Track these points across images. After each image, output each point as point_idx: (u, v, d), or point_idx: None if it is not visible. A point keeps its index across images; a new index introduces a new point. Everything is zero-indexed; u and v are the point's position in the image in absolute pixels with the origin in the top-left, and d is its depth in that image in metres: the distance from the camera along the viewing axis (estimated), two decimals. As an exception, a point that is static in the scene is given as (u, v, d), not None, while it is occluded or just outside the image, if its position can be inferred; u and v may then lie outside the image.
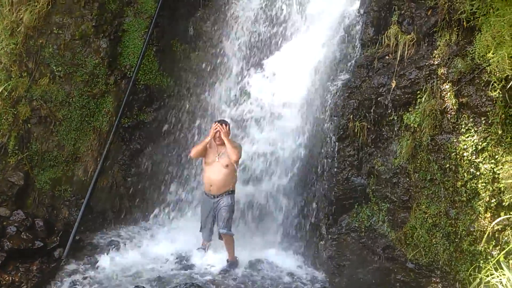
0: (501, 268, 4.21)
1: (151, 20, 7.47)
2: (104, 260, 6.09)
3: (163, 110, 7.60)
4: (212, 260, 6.25)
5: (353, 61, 6.35)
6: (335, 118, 6.19)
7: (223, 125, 6.01)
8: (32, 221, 6.24)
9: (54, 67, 7.07)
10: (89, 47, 7.28)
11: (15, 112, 6.81)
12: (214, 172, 6.01)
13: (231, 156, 5.86)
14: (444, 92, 5.25)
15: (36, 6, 7.00)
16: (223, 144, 5.97)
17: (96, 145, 7.12)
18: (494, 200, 4.81)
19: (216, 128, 5.97)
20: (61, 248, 6.06)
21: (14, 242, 5.80)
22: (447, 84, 5.24)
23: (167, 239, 6.82)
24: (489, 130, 4.86)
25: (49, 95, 7.00)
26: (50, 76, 7.07)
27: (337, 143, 6.08)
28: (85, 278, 5.73)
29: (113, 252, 6.35)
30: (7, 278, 5.40)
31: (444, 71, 5.29)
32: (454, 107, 5.15)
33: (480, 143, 4.91)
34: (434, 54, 5.46)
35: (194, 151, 6.17)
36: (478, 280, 4.46)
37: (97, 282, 5.67)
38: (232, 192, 6.10)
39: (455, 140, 5.11)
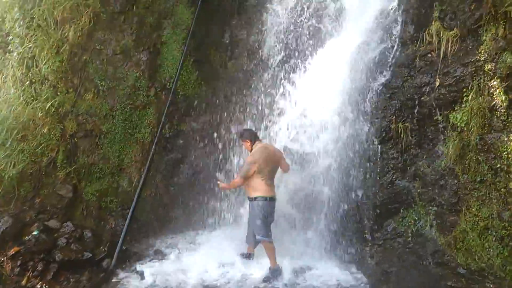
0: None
1: (188, 31, 7.58)
2: (150, 270, 6.16)
3: (202, 119, 7.67)
4: (255, 268, 6.21)
5: (393, 61, 6.18)
6: (377, 120, 6.03)
7: (240, 138, 6.36)
8: (81, 232, 6.39)
9: (98, 82, 7.29)
10: (130, 61, 7.47)
11: (62, 127, 7.05)
12: None
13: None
14: (492, 89, 5.01)
15: (79, 24, 7.25)
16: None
17: (139, 156, 7.28)
18: (551, 200, 4.52)
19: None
20: (109, 258, 6.18)
21: (65, 253, 5.97)
22: (495, 81, 5.00)
23: (211, 247, 6.84)
24: (542, 126, 4.59)
25: (94, 109, 7.22)
26: (94, 90, 7.30)
27: (379, 146, 5.93)
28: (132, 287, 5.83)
29: (159, 262, 6.43)
30: (59, 289, 5.58)
31: (492, 66, 5.05)
32: (504, 104, 4.91)
33: (533, 141, 4.64)
34: (480, 50, 5.23)
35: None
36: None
37: (144, 291, 5.75)
38: (254, 199, 6.05)
39: (505, 139, 4.86)
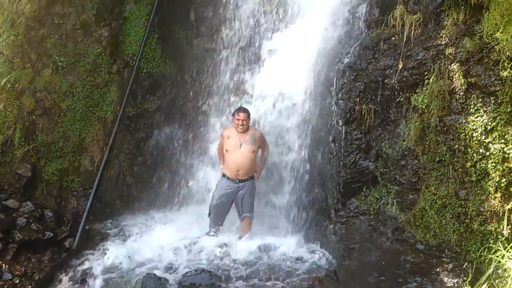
0: (513, 248, 4.21)
1: (152, 6, 7.40)
2: (114, 249, 6.10)
3: (167, 98, 7.56)
4: (221, 245, 6.27)
5: (358, 43, 6.28)
6: (341, 101, 6.14)
7: (246, 113, 6.27)
8: (41, 212, 6.23)
9: (56, 58, 7.01)
10: (91, 37, 7.23)
11: (19, 104, 6.76)
12: (241, 158, 6.24)
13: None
14: (452, 73, 5.20)
15: (36, -4, 6.92)
16: (244, 132, 6.26)
17: (102, 135, 7.11)
18: (505, 179, 4.78)
19: (238, 121, 6.25)
20: (71, 238, 6.06)
21: (25, 233, 5.80)
22: (455, 64, 5.19)
23: (176, 226, 6.84)
24: (499, 109, 4.83)
25: (53, 86, 6.95)
26: (52, 67, 7.02)
27: (344, 127, 6.05)
28: (95, 267, 5.74)
29: (123, 241, 6.37)
30: (19, 269, 5.43)
31: (452, 51, 5.23)
32: (463, 87, 5.11)
33: (490, 123, 4.87)
34: (441, 34, 5.40)
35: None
36: (487, 260, 4.48)
37: (108, 271, 5.68)
38: (253, 177, 6.38)
39: (464, 121, 5.07)
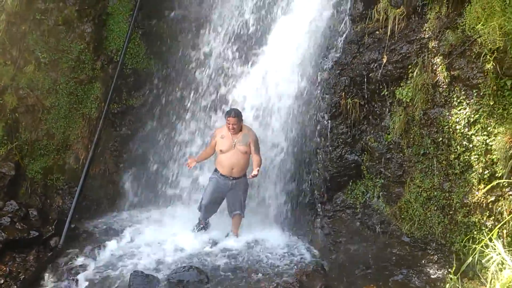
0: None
1: (135, 2, 7.32)
2: (100, 247, 6.06)
3: (152, 94, 7.50)
4: (209, 242, 6.29)
5: (343, 38, 6.29)
6: (327, 95, 6.16)
7: (236, 118, 6.11)
8: (26, 211, 6.19)
9: (39, 54, 6.91)
10: (74, 32, 7.13)
11: (2, 102, 6.67)
12: (234, 157, 6.19)
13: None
14: (435, 66, 5.24)
15: (16, -9, 6.80)
16: (237, 133, 6.19)
17: (86, 132, 7.05)
18: (487, 171, 4.85)
19: (228, 125, 6.13)
20: (57, 237, 6.03)
21: (9, 232, 5.76)
22: (438, 58, 5.23)
23: (163, 223, 6.83)
24: (481, 102, 4.88)
25: (35, 83, 6.87)
26: (35, 63, 6.93)
27: (329, 121, 6.07)
28: (82, 266, 5.71)
29: (109, 239, 6.32)
30: (4, 269, 5.38)
31: (435, 44, 5.26)
32: (446, 80, 5.15)
33: (473, 116, 4.92)
34: (424, 28, 5.43)
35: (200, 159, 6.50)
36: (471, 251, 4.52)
37: (95, 269, 5.65)
38: (245, 175, 6.33)
39: (447, 114, 5.12)
